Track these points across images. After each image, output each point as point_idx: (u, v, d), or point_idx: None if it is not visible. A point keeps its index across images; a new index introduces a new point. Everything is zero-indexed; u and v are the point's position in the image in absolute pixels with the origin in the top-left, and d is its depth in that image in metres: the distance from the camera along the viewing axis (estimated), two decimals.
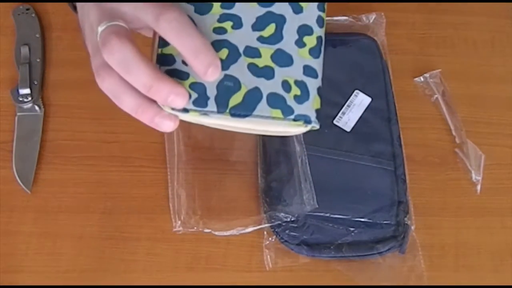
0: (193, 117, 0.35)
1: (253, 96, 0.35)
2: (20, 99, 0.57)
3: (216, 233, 0.53)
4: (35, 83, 0.58)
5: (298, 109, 0.36)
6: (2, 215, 0.54)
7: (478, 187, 0.58)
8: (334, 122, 0.58)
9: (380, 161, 0.57)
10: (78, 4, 0.40)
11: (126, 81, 0.34)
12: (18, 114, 0.57)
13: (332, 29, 0.62)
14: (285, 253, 0.54)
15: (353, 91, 0.59)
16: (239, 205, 0.55)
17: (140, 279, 0.53)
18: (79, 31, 0.39)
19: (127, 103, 0.35)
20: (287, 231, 0.54)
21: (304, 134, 0.55)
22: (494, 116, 0.62)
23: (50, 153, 0.56)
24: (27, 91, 0.57)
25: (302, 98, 0.36)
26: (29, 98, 0.57)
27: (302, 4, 0.38)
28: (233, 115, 0.35)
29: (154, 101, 0.35)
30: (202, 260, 0.54)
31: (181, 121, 0.36)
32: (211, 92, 0.35)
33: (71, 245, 0.53)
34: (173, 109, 0.35)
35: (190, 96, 0.35)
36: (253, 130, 0.37)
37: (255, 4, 0.37)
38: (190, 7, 0.36)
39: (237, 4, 0.37)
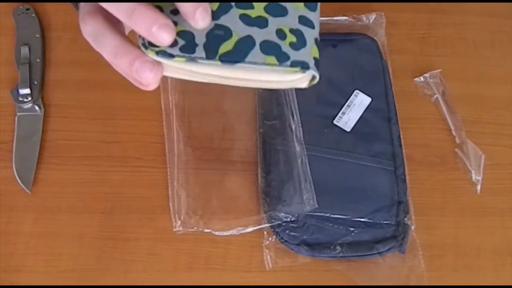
0: (179, 64, 0.34)
1: (245, 44, 0.34)
2: (20, 99, 0.57)
3: (216, 233, 0.53)
4: (35, 83, 0.58)
5: (294, 55, 0.34)
6: (2, 215, 0.54)
7: (478, 187, 0.58)
8: (334, 122, 0.58)
9: (380, 161, 0.57)
10: (81, 4, 0.40)
11: (108, 24, 0.34)
12: (18, 114, 0.57)
13: (332, 29, 0.62)
14: (285, 253, 0.54)
15: (353, 91, 0.59)
16: (239, 205, 0.55)
17: (140, 279, 0.53)
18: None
19: (108, 45, 0.34)
20: (287, 231, 0.54)
21: (304, 134, 0.56)
22: (494, 116, 0.62)
23: (50, 153, 0.56)
24: (27, 91, 0.57)
25: (298, 45, 0.34)
26: (29, 98, 0.57)
27: None
28: (223, 61, 0.33)
29: (137, 46, 0.33)
30: (202, 260, 0.54)
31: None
32: (200, 40, 0.33)
33: (71, 245, 0.53)
34: (157, 53, 0.33)
35: (177, 43, 0.33)
36: (246, 80, 0.35)
37: None
38: None
39: None
